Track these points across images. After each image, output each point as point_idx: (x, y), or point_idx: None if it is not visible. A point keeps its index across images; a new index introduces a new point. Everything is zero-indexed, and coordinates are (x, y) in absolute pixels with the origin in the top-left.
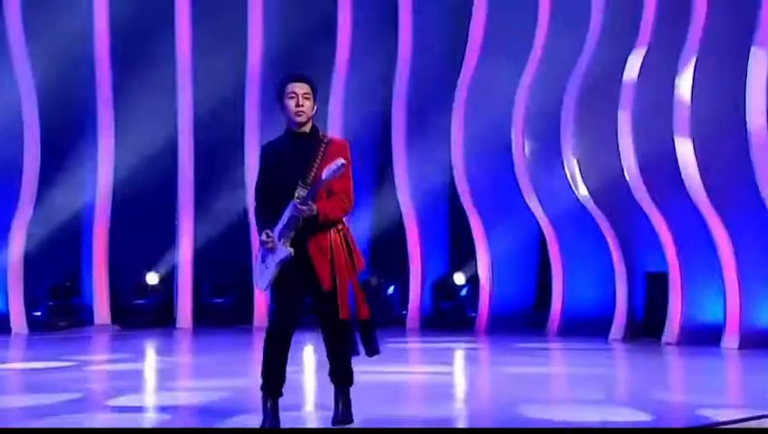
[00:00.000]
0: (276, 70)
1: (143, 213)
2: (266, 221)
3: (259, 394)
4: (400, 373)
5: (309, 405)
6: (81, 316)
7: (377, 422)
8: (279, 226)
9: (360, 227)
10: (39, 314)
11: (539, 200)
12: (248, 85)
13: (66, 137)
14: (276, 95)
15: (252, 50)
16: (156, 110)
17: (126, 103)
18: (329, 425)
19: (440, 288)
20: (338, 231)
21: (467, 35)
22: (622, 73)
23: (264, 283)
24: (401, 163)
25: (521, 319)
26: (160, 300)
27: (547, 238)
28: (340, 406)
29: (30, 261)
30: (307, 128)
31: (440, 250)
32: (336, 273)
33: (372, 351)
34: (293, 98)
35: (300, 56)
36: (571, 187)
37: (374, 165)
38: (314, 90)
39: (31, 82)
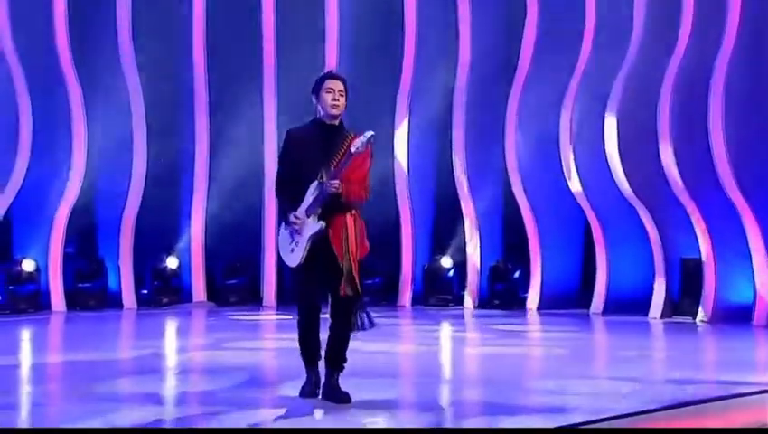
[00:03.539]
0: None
1: (237, 206)
2: (292, 204)
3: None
4: None
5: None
6: (181, 295)
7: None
8: (305, 205)
9: (423, 217)
10: (145, 292)
11: (585, 192)
12: None
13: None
14: (312, 88)
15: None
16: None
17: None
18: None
19: (494, 271)
20: (351, 214)
21: (521, 39)
22: (661, 78)
23: (296, 260)
24: (459, 157)
25: (568, 299)
26: (248, 281)
27: (593, 227)
28: (327, 386)
29: (138, 246)
30: (337, 122)
31: (495, 236)
32: (349, 252)
33: (371, 324)
34: (330, 92)
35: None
36: (614, 180)
37: (435, 160)
38: (347, 90)
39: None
